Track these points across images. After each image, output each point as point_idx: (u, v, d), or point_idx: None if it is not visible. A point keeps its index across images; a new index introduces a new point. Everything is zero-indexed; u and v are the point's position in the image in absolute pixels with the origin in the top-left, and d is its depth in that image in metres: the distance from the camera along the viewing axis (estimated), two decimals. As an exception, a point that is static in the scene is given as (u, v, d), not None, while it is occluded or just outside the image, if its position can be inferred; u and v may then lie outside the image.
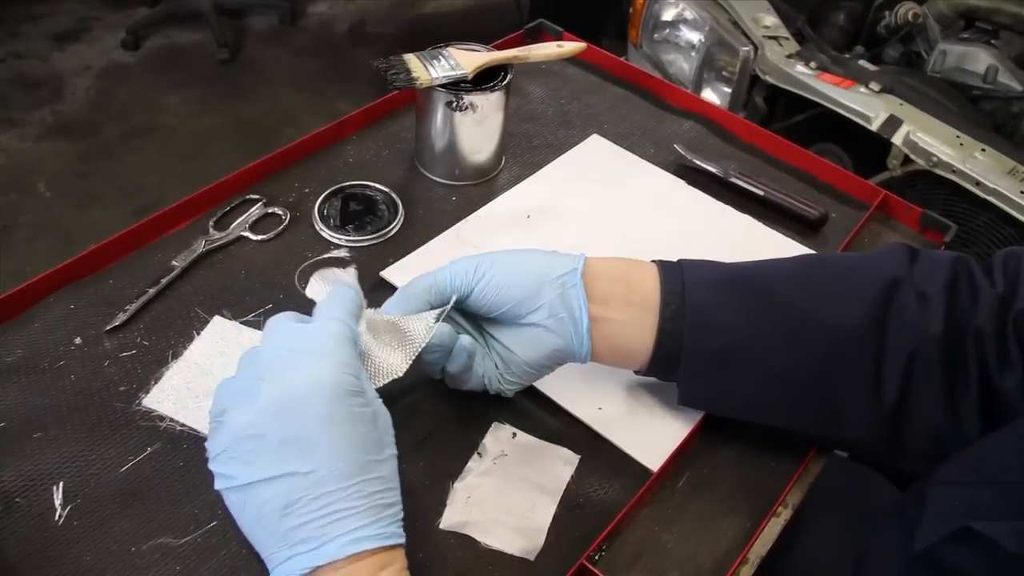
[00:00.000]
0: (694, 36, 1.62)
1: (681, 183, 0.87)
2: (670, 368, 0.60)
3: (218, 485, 0.48)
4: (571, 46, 0.83)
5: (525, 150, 0.91)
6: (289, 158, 0.84)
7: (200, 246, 0.73)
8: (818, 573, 0.73)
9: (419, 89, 0.76)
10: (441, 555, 0.56)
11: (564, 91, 1.00)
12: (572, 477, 0.61)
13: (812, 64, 1.45)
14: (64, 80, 2.65)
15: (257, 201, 0.78)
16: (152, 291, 0.69)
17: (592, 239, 0.80)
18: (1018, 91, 1.41)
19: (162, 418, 0.60)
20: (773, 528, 0.60)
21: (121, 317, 0.67)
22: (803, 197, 0.85)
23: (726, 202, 0.86)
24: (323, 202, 0.79)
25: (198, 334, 0.66)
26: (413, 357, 0.54)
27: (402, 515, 0.48)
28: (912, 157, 1.32)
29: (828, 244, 0.84)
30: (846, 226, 0.85)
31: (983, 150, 1.27)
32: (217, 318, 0.68)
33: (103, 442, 0.59)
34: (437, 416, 0.63)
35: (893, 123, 1.33)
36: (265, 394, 0.46)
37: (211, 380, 0.63)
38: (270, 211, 0.78)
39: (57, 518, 0.54)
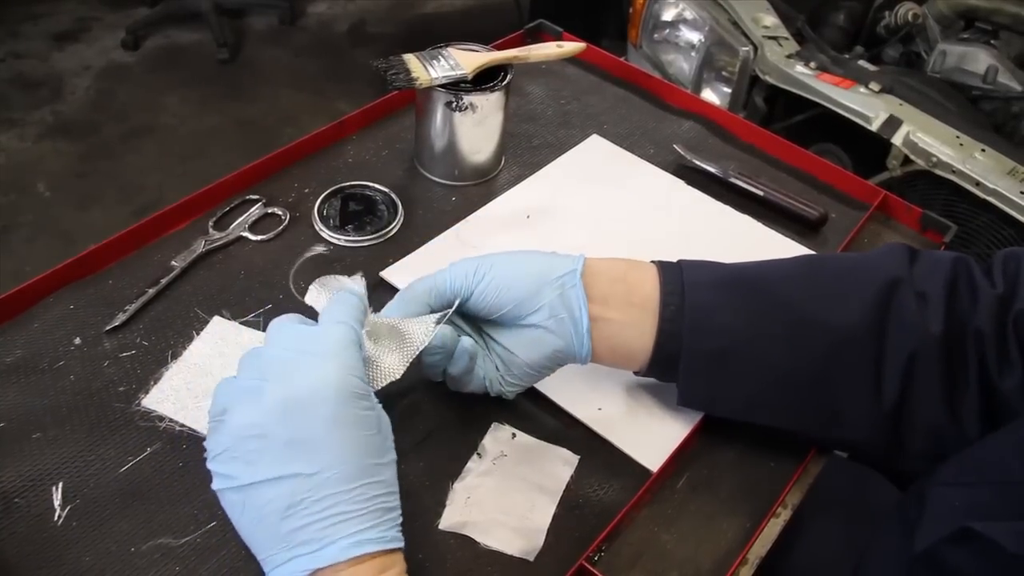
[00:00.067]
0: (694, 36, 1.62)
1: (681, 183, 0.87)
2: (670, 369, 0.60)
3: (216, 485, 0.47)
4: (571, 46, 0.83)
5: (525, 150, 0.91)
6: (289, 158, 0.84)
7: (200, 246, 0.73)
8: (818, 574, 0.73)
9: (419, 89, 0.76)
10: (441, 555, 0.56)
11: (564, 91, 1.00)
12: (572, 477, 0.61)
13: (812, 64, 1.45)
14: (64, 80, 2.65)
15: (257, 201, 0.78)
16: (152, 291, 0.69)
17: (592, 239, 0.80)
18: (1018, 91, 1.41)
19: (161, 418, 0.60)
20: (773, 529, 0.60)
21: (121, 317, 0.67)
22: (803, 197, 0.85)
23: (726, 202, 0.86)
24: (323, 202, 0.79)
25: (198, 334, 0.66)
26: (411, 359, 0.54)
27: (401, 519, 0.48)
28: (912, 157, 1.32)
29: (828, 244, 0.84)
30: (846, 226, 0.85)
31: (983, 150, 1.27)
32: (217, 318, 0.68)
33: (102, 442, 0.59)
34: (437, 417, 0.63)
35: (893, 123, 1.33)
36: (270, 394, 0.46)
37: (211, 380, 0.63)
38: (270, 211, 0.78)
39: (56, 518, 0.54)
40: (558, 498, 0.59)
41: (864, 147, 1.42)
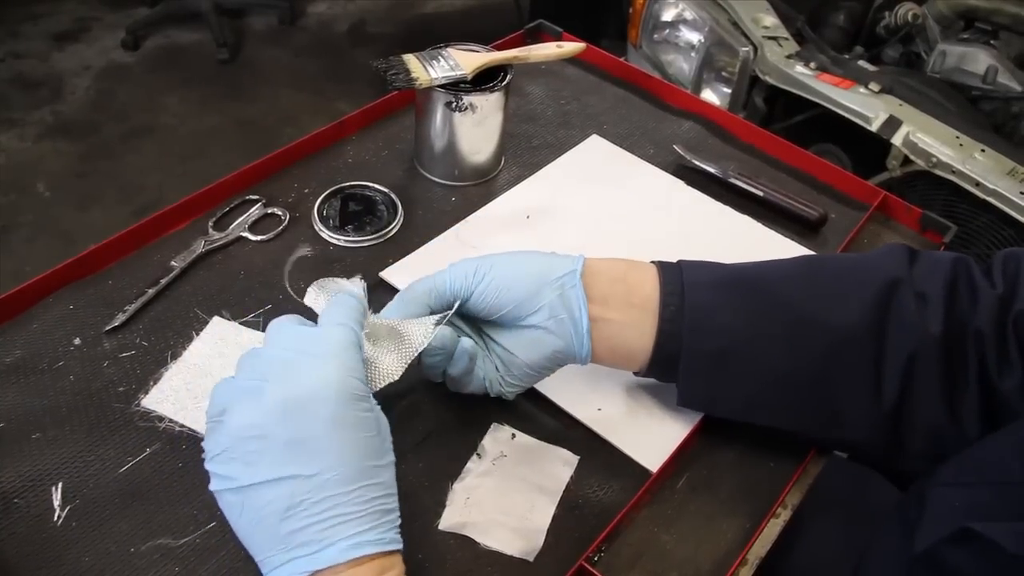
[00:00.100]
0: (694, 36, 1.62)
1: (680, 183, 0.87)
2: (669, 369, 0.60)
3: (214, 486, 0.47)
4: (571, 46, 0.83)
5: (525, 150, 0.91)
6: (289, 158, 0.84)
7: (199, 246, 0.73)
8: (818, 574, 0.73)
9: (418, 90, 0.76)
10: (440, 556, 0.55)
11: (564, 91, 1.00)
12: (571, 478, 0.61)
13: (812, 64, 1.45)
14: (64, 80, 2.65)
15: (257, 201, 0.78)
16: (151, 291, 0.69)
17: (591, 240, 0.80)
18: (1018, 91, 1.41)
19: (161, 419, 0.60)
20: (772, 529, 0.60)
21: (120, 318, 0.66)
22: (803, 198, 0.85)
23: (725, 203, 0.86)
24: (322, 202, 0.79)
25: (197, 335, 0.66)
26: (409, 361, 0.54)
27: (400, 521, 0.48)
28: (912, 158, 1.32)
29: (828, 245, 0.84)
30: (845, 227, 0.85)
31: (983, 151, 1.27)
32: (216, 319, 0.68)
33: (102, 443, 0.59)
34: (436, 417, 0.63)
35: (893, 124, 1.33)
36: (270, 395, 0.46)
37: (210, 381, 0.63)
38: (269, 211, 0.78)
39: (56, 519, 0.54)
40: (558, 498, 0.59)
41: (864, 147, 1.42)
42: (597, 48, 1.02)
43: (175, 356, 0.65)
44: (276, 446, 0.45)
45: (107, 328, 0.66)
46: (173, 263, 0.72)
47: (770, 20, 1.55)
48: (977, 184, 1.25)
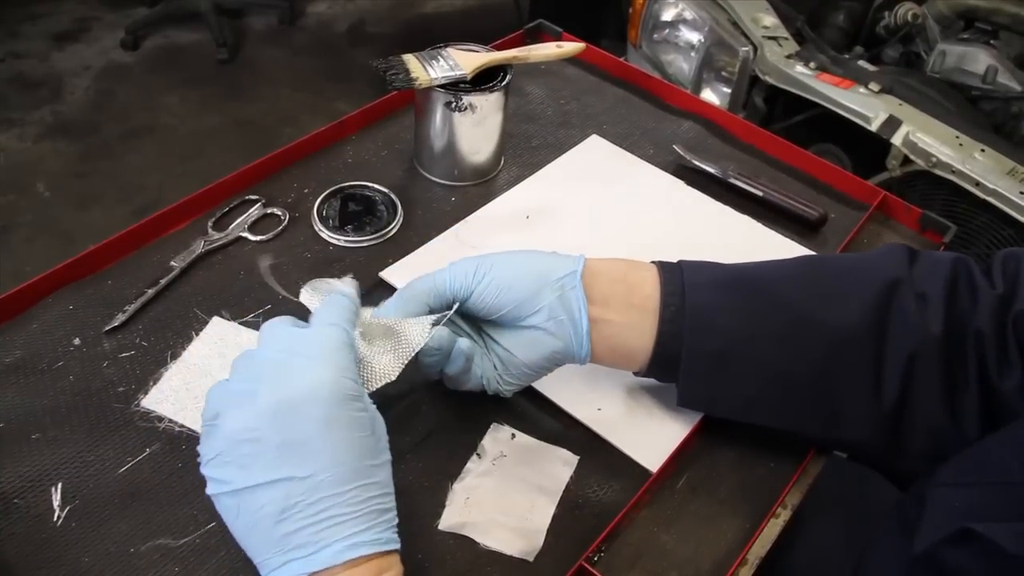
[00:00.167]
0: (693, 36, 1.62)
1: (680, 184, 0.87)
2: (670, 369, 0.60)
3: (211, 490, 0.47)
4: (570, 46, 0.83)
5: (524, 150, 0.91)
6: (288, 158, 0.84)
7: (199, 247, 0.73)
8: (818, 574, 0.73)
9: (418, 89, 0.76)
10: (440, 556, 0.55)
11: (563, 91, 1.00)
12: (571, 478, 0.61)
13: (811, 64, 1.45)
14: (63, 80, 2.65)
15: (256, 201, 0.78)
16: (151, 292, 0.69)
17: (591, 240, 0.79)
18: (1017, 91, 1.41)
19: (161, 419, 0.60)
20: (772, 529, 0.60)
21: (120, 318, 0.66)
22: (802, 197, 0.85)
23: (725, 203, 0.85)
24: (322, 203, 0.79)
25: (197, 335, 0.66)
26: (406, 361, 0.54)
27: (397, 521, 0.48)
28: (911, 157, 1.32)
29: (827, 244, 0.84)
30: (845, 227, 0.85)
31: (982, 150, 1.27)
32: (216, 319, 0.68)
33: (102, 443, 0.59)
34: (436, 417, 0.63)
35: (892, 123, 1.33)
36: (262, 397, 0.46)
37: (210, 381, 0.62)
38: (269, 212, 0.78)
39: (56, 519, 0.54)
40: (558, 498, 0.59)
41: (864, 147, 1.42)
42: (597, 48, 1.02)
43: (175, 356, 0.65)
44: (269, 449, 0.45)
45: (107, 328, 0.66)
46: (173, 263, 0.72)
47: (770, 20, 1.55)
48: (977, 184, 1.25)
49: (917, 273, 0.58)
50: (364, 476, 0.46)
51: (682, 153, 0.90)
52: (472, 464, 0.61)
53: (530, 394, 0.65)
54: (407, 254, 0.75)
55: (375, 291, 0.72)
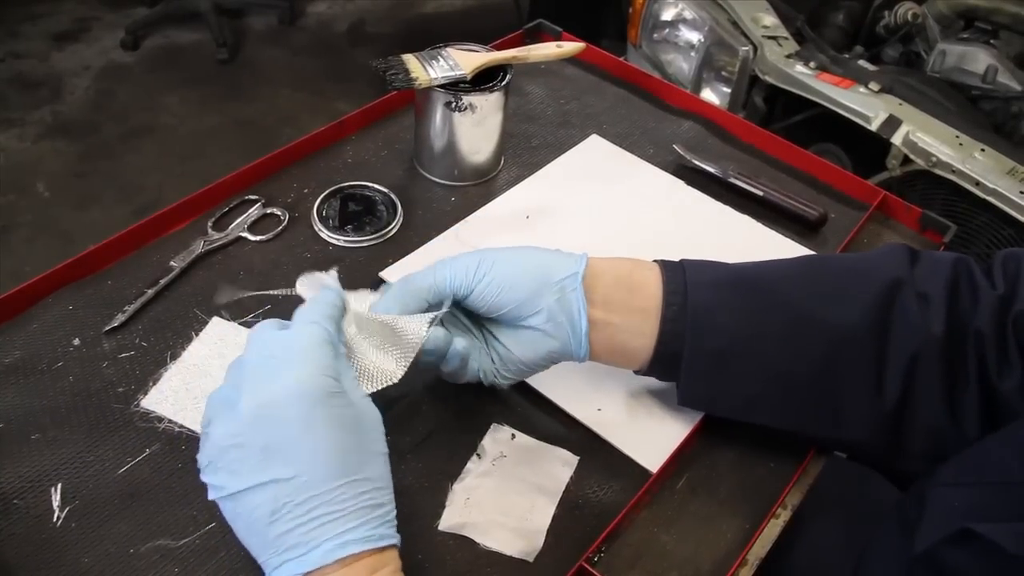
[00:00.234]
0: (693, 36, 1.62)
1: (680, 183, 0.87)
2: (671, 368, 0.60)
3: (211, 495, 0.48)
4: (570, 46, 0.83)
5: (524, 150, 0.90)
6: (288, 158, 0.84)
7: (199, 247, 0.73)
8: (818, 574, 0.73)
9: (418, 89, 0.76)
10: (440, 556, 0.55)
11: (563, 91, 1.00)
12: (571, 478, 0.61)
13: (811, 64, 1.45)
14: (63, 80, 2.65)
15: (256, 201, 0.78)
16: (151, 292, 0.69)
17: (591, 239, 0.79)
18: (1017, 91, 1.41)
19: (160, 419, 0.60)
20: (772, 529, 0.60)
21: (120, 318, 0.66)
22: (802, 197, 0.85)
23: (725, 202, 0.85)
24: (322, 202, 0.79)
25: (197, 335, 0.66)
26: (408, 363, 0.54)
27: (394, 515, 0.48)
28: (911, 157, 1.32)
29: (828, 244, 0.84)
30: (845, 226, 0.85)
31: (982, 150, 1.27)
32: (216, 319, 0.68)
33: (101, 443, 0.59)
34: (436, 417, 0.63)
35: (892, 123, 1.33)
36: (243, 403, 0.46)
37: (209, 381, 0.63)
38: (269, 212, 0.78)
39: (55, 520, 0.54)
40: (558, 499, 0.59)
41: (864, 147, 1.42)
42: (597, 48, 1.02)
43: (174, 357, 0.64)
44: (253, 453, 0.45)
45: (106, 328, 0.66)
46: (172, 263, 0.72)
47: (770, 20, 1.55)
48: (977, 183, 1.25)
49: (918, 273, 0.58)
50: (351, 472, 0.46)
51: (682, 153, 0.89)
52: (472, 464, 0.61)
53: (530, 394, 0.64)
54: (407, 254, 0.75)
55: (375, 291, 0.72)
